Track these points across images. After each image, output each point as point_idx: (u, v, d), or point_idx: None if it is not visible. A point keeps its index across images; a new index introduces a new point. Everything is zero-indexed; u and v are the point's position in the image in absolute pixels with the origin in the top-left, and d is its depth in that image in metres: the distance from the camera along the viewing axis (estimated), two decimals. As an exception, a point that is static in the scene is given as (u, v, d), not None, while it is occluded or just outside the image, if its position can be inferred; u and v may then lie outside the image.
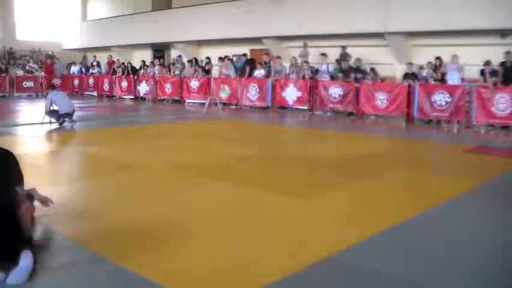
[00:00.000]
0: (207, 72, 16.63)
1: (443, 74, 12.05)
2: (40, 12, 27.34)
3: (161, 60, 20.02)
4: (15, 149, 4.69)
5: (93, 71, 21.76)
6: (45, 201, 3.66)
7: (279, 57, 15.30)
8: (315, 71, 14.12)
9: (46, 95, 12.12)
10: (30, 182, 3.57)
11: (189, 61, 17.64)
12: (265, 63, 15.37)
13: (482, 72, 11.23)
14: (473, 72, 12.03)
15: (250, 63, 15.73)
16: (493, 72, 10.92)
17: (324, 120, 12.56)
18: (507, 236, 3.74)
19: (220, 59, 16.56)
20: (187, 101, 16.79)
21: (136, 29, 21.90)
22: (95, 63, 22.17)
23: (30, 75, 20.67)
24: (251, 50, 17.88)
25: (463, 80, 11.79)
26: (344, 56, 14.07)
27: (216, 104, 14.86)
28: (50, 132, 9.41)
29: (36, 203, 3.57)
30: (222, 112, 14.02)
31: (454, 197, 4.77)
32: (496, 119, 10.46)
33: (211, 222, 3.90)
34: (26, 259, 2.74)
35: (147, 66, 19.25)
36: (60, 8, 28.02)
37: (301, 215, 4.16)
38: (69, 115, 10.15)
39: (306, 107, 13.57)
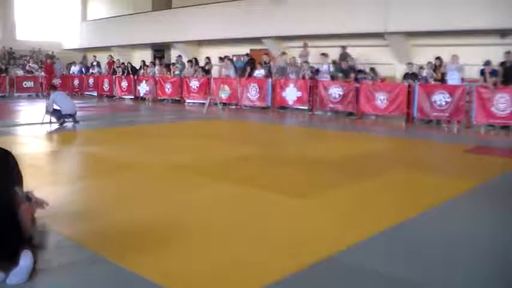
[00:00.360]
0: (207, 72, 16.63)
1: (443, 74, 12.05)
2: (40, 12, 27.35)
3: (161, 60, 20.01)
4: (15, 149, 4.69)
5: (93, 71, 21.76)
6: (40, 203, 3.64)
7: (284, 53, 15.30)
8: (315, 71, 14.13)
9: (46, 95, 12.14)
10: (30, 182, 3.56)
11: (189, 61, 17.64)
12: (265, 63, 15.37)
13: (482, 72, 11.23)
14: (473, 72, 12.04)
15: (251, 63, 15.73)
16: (493, 72, 10.92)
17: (324, 120, 12.56)
18: (507, 236, 3.74)
19: (221, 59, 16.58)
20: (187, 101, 16.79)
21: (136, 29, 21.90)
22: (95, 63, 22.18)
23: (30, 75, 20.67)
24: (251, 50, 17.89)
25: (463, 80, 11.80)
26: (344, 56, 14.06)
27: (216, 104, 14.87)
28: (50, 132, 9.41)
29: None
30: (222, 112, 14.02)
31: (454, 197, 4.77)
32: (496, 119, 10.46)
33: (211, 222, 3.90)
34: (26, 259, 2.74)
35: (147, 66, 19.25)
36: (60, 8, 28.02)
37: (301, 215, 4.16)
38: (71, 116, 10.17)
39: (306, 107, 13.58)
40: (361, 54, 14.79)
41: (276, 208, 4.34)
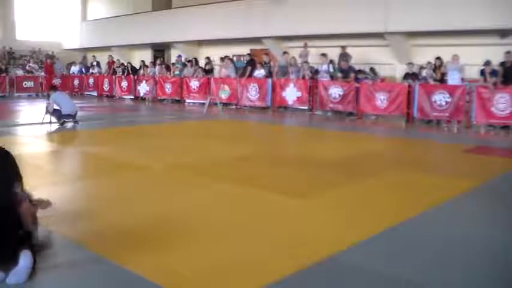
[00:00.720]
0: (207, 72, 16.63)
1: (443, 74, 12.05)
2: (40, 12, 27.34)
3: (160, 59, 19.98)
4: (15, 149, 4.69)
5: (93, 71, 21.76)
6: (45, 204, 3.63)
7: (286, 52, 15.32)
8: (315, 71, 14.13)
9: (47, 95, 12.12)
10: (30, 182, 3.56)
11: (189, 61, 17.64)
12: (265, 63, 15.37)
13: (482, 72, 11.23)
14: (473, 72, 12.04)
15: (252, 63, 15.73)
16: (493, 72, 10.91)
17: (324, 120, 12.56)
18: (507, 236, 3.73)
19: (222, 59, 16.57)
20: (187, 101, 16.79)
21: (136, 29, 21.91)
22: (94, 63, 22.18)
23: (30, 75, 20.67)
24: (251, 50, 17.89)
25: (463, 80, 11.79)
26: (344, 56, 14.06)
27: (216, 104, 14.87)
28: (50, 132, 9.41)
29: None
30: (222, 112, 14.02)
31: (454, 197, 4.77)
32: (496, 119, 10.45)
33: (211, 222, 3.90)
34: (25, 259, 2.74)
35: (147, 66, 19.24)
36: (60, 8, 28.02)
37: (301, 215, 4.16)
38: (71, 116, 10.17)
39: (306, 107, 13.57)
40: (361, 54, 14.79)
41: (276, 208, 4.34)
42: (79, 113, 10.71)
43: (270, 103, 14.40)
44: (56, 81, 19.43)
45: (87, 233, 3.54)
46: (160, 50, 23.52)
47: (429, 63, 12.49)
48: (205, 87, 15.94)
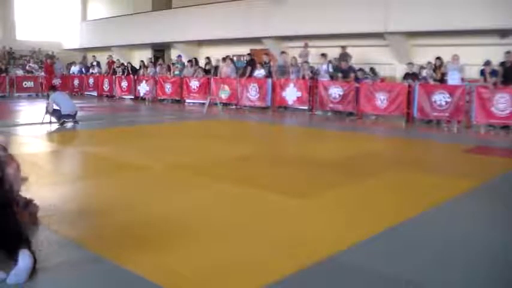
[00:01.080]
0: (208, 72, 16.62)
1: (443, 74, 12.05)
2: (40, 12, 27.34)
3: (160, 60, 19.99)
4: (15, 149, 4.69)
5: (93, 71, 21.76)
6: (34, 213, 3.63)
7: (284, 52, 15.30)
8: (315, 71, 14.13)
9: (46, 95, 12.12)
10: (30, 182, 3.57)
11: (189, 61, 17.64)
12: (265, 63, 15.37)
13: (482, 72, 11.23)
14: (473, 72, 12.04)
15: (252, 63, 15.73)
16: (493, 72, 10.91)
17: (324, 120, 12.56)
18: (507, 236, 3.73)
19: (223, 59, 16.56)
20: (187, 101, 16.79)
21: (136, 29, 21.90)
22: (94, 63, 22.17)
23: (30, 75, 20.67)
24: (251, 50, 17.89)
25: (463, 80, 11.79)
26: (344, 56, 14.06)
27: (216, 104, 14.87)
28: (50, 132, 9.40)
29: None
30: (222, 112, 14.02)
31: (453, 197, 4.77)
32: (496, 119, 10.45)
33: (211, 222, 3.90)
34: (25, 259, 2.74)
35: (147, 66, 19.24)
36: (60, 8, 28.02)
37: (301, 215, 4.16)
38: (71, 116, 10.17)
39: (306, 107, 13.57)
40: (361, 54, 14.79)
41: (276, 208, 4.33)
42: (79, 113, 10.71)
43: (270, 103, 14.40)
44: (56, 81, 19.43)
45: (87, 232, 3.54)
46: (160, 50, 23.51)
47: (429, 63, 12.48)
48: (205, 87, 15.94)
